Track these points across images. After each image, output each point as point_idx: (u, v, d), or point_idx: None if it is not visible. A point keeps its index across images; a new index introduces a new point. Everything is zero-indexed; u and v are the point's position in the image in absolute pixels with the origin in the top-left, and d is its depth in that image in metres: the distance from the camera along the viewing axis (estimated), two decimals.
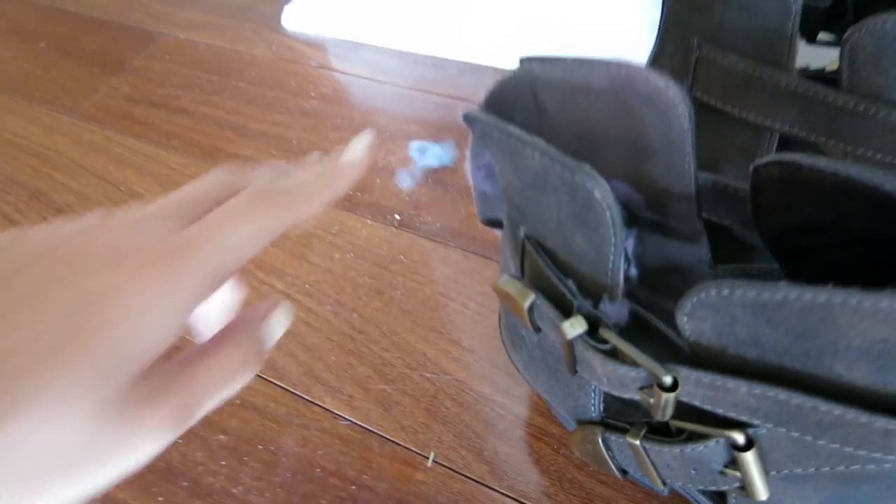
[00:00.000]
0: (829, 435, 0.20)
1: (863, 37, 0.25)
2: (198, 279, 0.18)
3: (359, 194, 0.49)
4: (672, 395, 0.21)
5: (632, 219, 0.26)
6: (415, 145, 0.48)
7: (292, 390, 0.40)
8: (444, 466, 0.36)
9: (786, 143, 0.30)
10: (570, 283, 0.23)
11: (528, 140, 0.21)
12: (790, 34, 0.27)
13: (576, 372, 0.24)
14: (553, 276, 0.23)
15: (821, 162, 0.19)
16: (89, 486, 0.17)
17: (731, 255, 0.28)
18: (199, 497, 0.37)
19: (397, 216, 0.47)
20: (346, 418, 0.39)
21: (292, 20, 0.65)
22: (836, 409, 0.19)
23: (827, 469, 0.22)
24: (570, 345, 0.23)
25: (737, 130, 0.31)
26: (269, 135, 0.56)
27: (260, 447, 0.38)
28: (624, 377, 0.22)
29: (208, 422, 0.39)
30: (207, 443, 0.39)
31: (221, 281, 0.19)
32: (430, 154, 0.48)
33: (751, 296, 0.18)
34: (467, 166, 0.27)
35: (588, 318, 0.22)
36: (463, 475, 0.35)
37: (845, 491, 0.23)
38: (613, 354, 0.22)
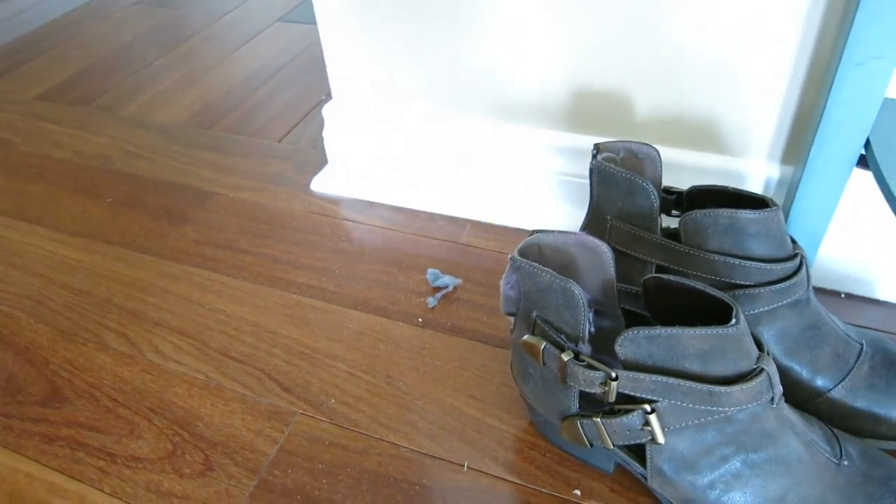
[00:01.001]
0: (688, 399, 0.45)
1: (687, 220, 0.53)
2: None
3: (391, 305, 0.73)
4: (615, 384, 0.45)
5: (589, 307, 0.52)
6: (430, 272, 0.73)
7: (364, 433, 0.62)
8: (475, 470, 0.58)
9: (660, 269, 0.57)
10: (561, 336, 0.48)
11: (545, 270, 0.47)
12: (655, 216, 0.55)
13: (565, 382, 0.48)
14: (553, 333, 0.48)
15: (671, 278, 0.45)
16: None
17: (636, 324, 0.53)
18: (312, 503, 0.57)
19: (420, 319, 0.71)
20: (405, 447, 0.60)
21: (320, 185, 0.90)
22: (690, 385, 0.44)
23: (693, 422, 0.46)
24: (565, 365, 0.47)
25: (635, 263, 0.57)
26: (316, 267, 0.79)
27: (349, 469, 0.59)
28: (593, 378, 0.46)
29: (308, 456, 0.60)
30: (311, 469, 0.59)
31: None
32: (441, 279, 0.72)
33: (644, 334, 0.44)
34: (501, 282, 0.52)
35: (573, 352, 0.47)
36: (488, 474, 0.58)
37: (703, 435, 0.47)
38: (588, 367, 0.47)
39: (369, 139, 0.84)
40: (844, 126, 0.54)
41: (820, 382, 0.54)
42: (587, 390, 0.48)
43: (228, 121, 1.08)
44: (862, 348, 0.55)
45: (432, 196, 0.85)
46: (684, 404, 0.45)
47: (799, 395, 0.55)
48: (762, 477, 0.47)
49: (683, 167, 0.69)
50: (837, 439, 0.50)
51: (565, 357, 0.47)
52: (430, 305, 0.72)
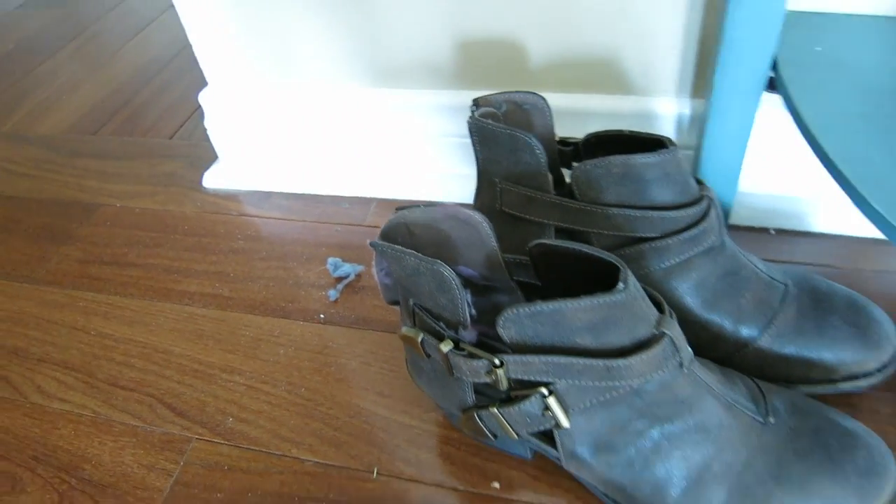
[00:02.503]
0: (586, 377, 0.40)
1: (578, 173, 0.47)
2: None
3: (290, 304, 0.66)
4: (502, 371, 0.40)
5: (473, 286, 0.46)
6: (330, 262, 0.67)
7: (265, 451, 0.55)
8: (385, 475, 0.52)
9: (561, 231, 0.51)
10: (440, 324, 0.42)
11: (409, 252, 0.41)
12: (545, 173, 0.49)
13: (452, 374, 0.43)
14: (431, 322, 0.42)
15: (555, 243, 0.40)
16: None
17: (537, 297, 0.47)
18: None
19: (321, 315, 0.65)
20: (309, 460, 0.54)
21: (212, 181, 0.83)
22: (584, 362, 0.39)
23: (598, 399, 0.41)
24: (446, 357, 0.41)
25: (532, 227, 0.51)
26: (210, 272, 0.72)
27: (249, 495, 0.53)
28: (477, 367, 0.40)
29: (205, 486, 0.54)
30: (209, 500, 0.53)
31: None
32: (341, 268, 0.66)
33: (526, 311, 0.38)
34: (373, 271, 0.46)
35: (453, 340, 0.41)
36: (399, 478, 0.52)
37: (612, 413, 0.42)
38: (470, 356, 0.41)
39: (256, 125, 0.77)
40: (747, 47, 0.48)
41: (745, 332, 0.49)
42: (475, 380, 0.42)
43: (115, 122, 0.99)
44: (787, 289, 0.50)
45: (332, 178, 0.78)
46: (583, 383, 0.40)
47: (724, 349, 0.50)
48: (682, 448, 0.41)
49: (590, 113, 0.63)
50: (763, 395, 0.45)
51: (444, 348, 0.41)
52: (332, 298, 0.65)
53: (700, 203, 0.47)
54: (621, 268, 0.38)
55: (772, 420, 0.43)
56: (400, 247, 0.41)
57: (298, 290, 0.68)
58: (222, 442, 0.57)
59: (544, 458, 0.51)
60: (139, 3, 1.34)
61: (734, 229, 0.66)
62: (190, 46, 1.15)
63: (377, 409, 0.57)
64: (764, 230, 0.65)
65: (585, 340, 0.38)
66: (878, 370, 0.50)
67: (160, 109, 1.00)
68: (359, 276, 0.67)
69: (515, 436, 0.44)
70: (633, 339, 0.38)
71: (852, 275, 0.60)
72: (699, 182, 0.49)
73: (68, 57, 1.20)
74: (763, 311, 0.49)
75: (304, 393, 0.59)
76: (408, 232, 0.44)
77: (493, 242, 0.43)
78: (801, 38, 0.48)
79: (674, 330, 0.39)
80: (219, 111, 0.77)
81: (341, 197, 0.78)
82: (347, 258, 0.69)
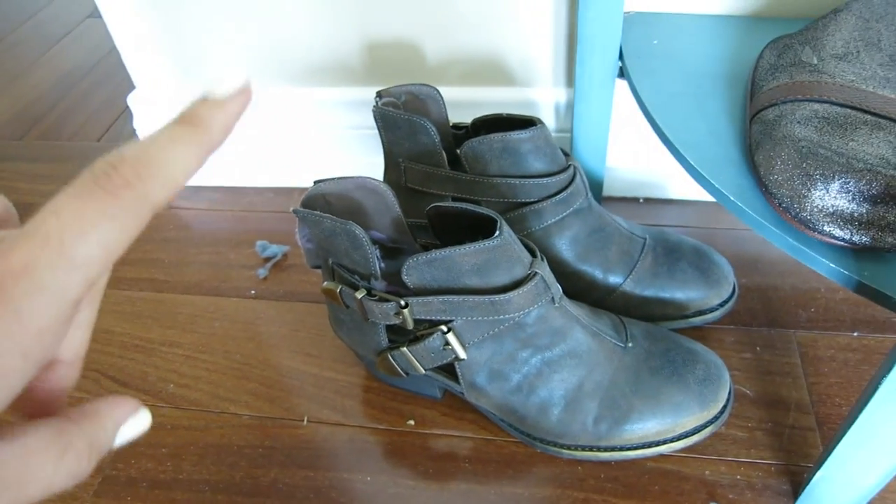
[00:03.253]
0: (477, 313, 0.48)
1: (466, 149, 0.56)
2: (139, 206, 0.18)
3: (223, 284, 0.73)
4: (408, 312, 0.48)
5: (384, 248, 0.54)
6: (258, 244, 0.74)
7: (205, 409, 0.62)
8: (315, 422, 0.60)
9: (457, 201, 0.60)
10: (355, 277, 0.50)
11: (325, 216, 0.48)
12: (439, 151, 0.57)
13: (367, 319, 0.51)
14: (347, 276, 0.50)
15: (446, 205, 0.48)
16: None
17: None
18: (159, 487, 0.57)
19: (252, 291, 0.72)
20: (246, 414, 0.61)
21: None
22: (474, 299, 0.47)
23: (489, 333, 0.50)
24: (361, 303, 0.49)
25: (433, 199, 0.60)
26: (145, 259, 0.78)
27: (192, 447, 0.59)
28: (387, 309, 0.49)
29: (150, 444, 0.60)
30: (154, 455, 0.59)
31: (155, 207, 0.18)
32: (269, 249, 0.73)
33: (423, 258, 0.46)
34: (297, 237, 0.54)
35: (366, 289, 0.49)
36: (327, 423, 0.60)
37: (502, 344, 0.51)
38: (381, 300, 0.49)
39: None
40: (598, 42, 0.58)
41: (612, 279, 0.59)
42: (386, 322, 0.50)
43: (41, 128, 1.03)
44: (645, 242, 0.61)
45: (256, 171, 0.85)
46: (475, 318, 0.48)
47: (596, 294, 0.60)
48: (559, 371, 0.51)
49: (481, 104, 0.72)
50: (624, 325, 0.55)
51: (359, 295, 0.49)
52: (261, 276, 0.72)
53: (567, 170, 0.57)
54: (497, 219, 0.47)
55: (630, 344, 0.53)
56: (318, 212, 0.49)
57: (230, 270, 0.74)
58: (165, 405, 0.63)
59: (452, 398, 0.59)
60: (56, 13, 1.36)
61: (609, 200, 0.76)
62: (110, 54, 1.19)
63: (306, 367, 0.64)
64: (634, 199, 0.76)
65: (473, 281, 0.47)
66: (720, 305, 0.61)
67: (85, 114, 1.04)
68: (285, 255, 0.75)
69: (423, 370, 0.53)
70: (512, 277, 0.47)
71: (706, 233, 0.72)
72: (566, 153, 0.59)
73: None
74: (626, 261, 0.60)
75: (239, 358, 0.66)
76: (325, 201, 0.52)
77: (397, 208, 0.51)
78: (642, 33, 0.59)
79: (544, 270, 0.49)
80: (147, 112, 0.83)
81: (266, 188, 0.85)
82: (274, 241, 0.77)
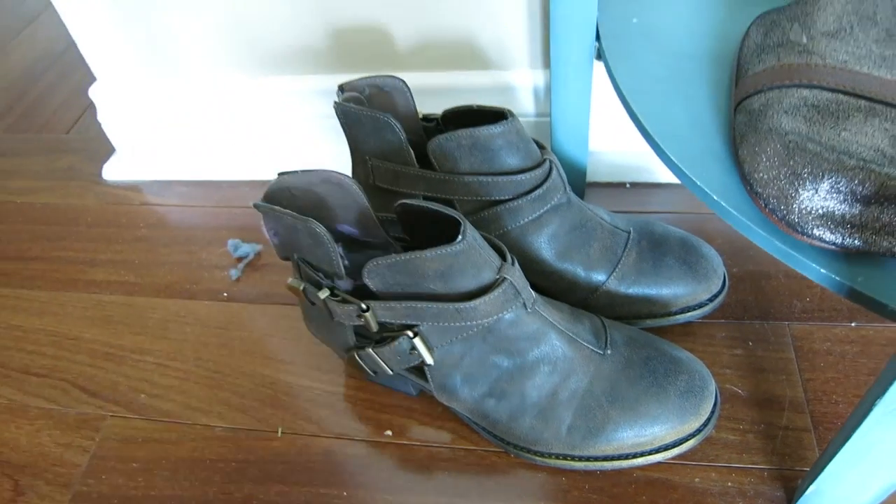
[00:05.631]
0: (441, 319, 0.45)
1: (433, 147, 0.52)
2: None
3: (195, 286, 0.70)
4: (369, 315, 0.45)
5: (355, 243, 0.51)
6: (230, 243, 0.71)
7: (177, 421, 0.60)
8: (289, 433, 0.58)
9: (428, 200, 0.57)
10: (319, 274, 0.47)
11: (286, 212, 0.45)
12: (406, 148, 0.54)
13: (332, 318, 0.48)
14: (312, 273, 0.47)
15: (413, 203, 0.45)
16: None
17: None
18: (126, 502, 0.55)
19: (225, 293, 0.69)
20: (219, 426, 0.59)
21: (112, 173, 0.85)
22: (437, 306, 0.45)
23: (456, 338, 0.47)
24: (325, 302, 0.47)
25: (402, 197, 0.57)
26: (115, 260, 0.75)
27: (164, 462, 0.57)
28: (349, 311, 0.46)
29: (121, 458, 0.58)
30: (126, 470, 0.57)
31: None
32: (241, 248, 0.70)
33: (385, 262, 0.43)
34: (263, 230, 0.51)
35: (329, 288, 0.47)
36: (302, 435, 0.57)
37: (471, 348, 0.48)
38: (343, 301, 0.46)
39: (149, 117, 0.79)
40: (573, 21, 0.54)
41: (595, 277, 0.56)
42: (351, 323, 0.48)
43: (8, 120, 0.99)
44: (629, 236, 0.57)
45: (228, 163, 0.81)
46: (441, 324, 0.46)
47: (579, 294, 0.57)
48: (532, 377, 0.48)
49: (454, 90, 0.68)
50: (605, 329, 0.52)
51: (322, 295, 0.47)
52: (234, 277, 0.70)
53: (543, 165, 0.53)
54: (462, 222, 0.44)
55: (609, 351, 0.50)
56: (279, 207, 0.46)
57: (202, 271, 0.72)
58: (136, 417, 0.61)
59: (432, 405, 0.57)
60: (16, 3, 1.31)
61: (593, 186, 0.73)
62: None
63: (280, 375, 0.62)
64: (620, 184, 0.72)
65: (437, 286, 0.44)
66: (710, 300, 0.58)
67: (54, 105, 1.01)
68: (258, 254, 0.72)
69: (390, 371, 0.50)
70: (479, 283, 0.45)
71: (697, 218, 0.68)
72: (541, 147, 0.55)
73: None
74: (609, 257, 0.56)
75: (212, 366, 0.63)
76: (290, 194, 0.49)
77: (364, 201, 0.48)
78: (621, 11, 0.55)
79: (514, 275, 0.46)
80: (111, 105, 0.79)
81: (239, 181, 0.82)
82: (247, 239, 0.73)
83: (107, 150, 0.89)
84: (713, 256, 0.58)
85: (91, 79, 0.82)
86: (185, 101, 0.77)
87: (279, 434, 0.58)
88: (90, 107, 0.99)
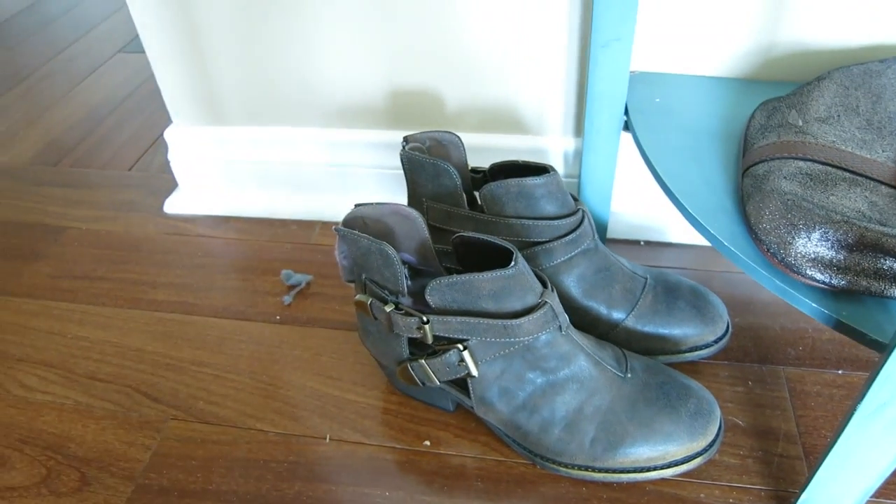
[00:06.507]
0: (490, 334, 0.53)
1: (485, 192, 0.61)
2: None
3: (250, 309, 0.78)
4: (428, 327, 0.53)
5: (412, 270, 0.59)
6: (283, 273, 0.79)
7: (233, 425, 0.66)
8: (336, 440, 0.64)
9: None
10: (385, 292, 0.55)
11: (363, 235, 0.54)
12: (460, 192, 0.63)
13: (392, 330, 0.56)
14: (378, 291, 0.55)
15: (469, 235, 0.54)
16: None
17: None
18: (189, 497, 0.61)
19: (278, 317, 0.77)
20: (272, 431, 0.66)
21: (172, 207, 0.94)
22: (488, 322, 0.52)
23: (500, 353, 0.54)
24: (388, 315, 0.55)
25: (451, 235, 0.65)
26: (175, 283, 0.83)
27: (221, 461, 0.64)
28: (410, 323, 0.54)
29: (181, 456, 0.64)
30: (185, 466, 0.63)
31: None
32: (293, 277, 0.78)
33: (446, 281, 0.51)
34: (336, 254, 0.59)
35: (394, 303, 0.55)
36: (348, 442, 0.64)
37: (511, 364, 0.55)
38: (406, 314, 0.54)
39: (214, 157, 0.88)
40: (606, 98, 0.64)
41: (615, 315, 0.64)
42: (409, 335, 0.55)
43: (75, 155, 1.09)
44: (646, 281, 0.66)
45: (282, 204, 0.90)
46: (488, 339, 0.53)
47: (601, 329, 0.65)
48: (562, 394, 0.56)
49: (496, 149, 0.78)
50: (626, 358, 0.59)
51: (388, 308, 0.55)
52: (286, 303, 0.77)
53: (576, 214, 0.62)
54: (514, 251, 0.53)
55: (629, 375, 0.58)
56: (356, 231, 0.54)
57: (256, 297, 0.79)
58: (195, 420, 0.67)
59: (466, 420, 0.64)
60: (88, 47, 1.43)
61: (612, 242, 0.82)
62: (143, 86, 1.25)
63: (328, 389, 0.69)
64: (636, 242, 0.82)
65: (489, 305, 0.52)
66: (715, 341, 0.66)
67: (117, 145, 1.10)
68: (308, 284, 0.80)
69: (437, 382, 0.57)
70: (524, 305, 0.53)
71: (703, 275, 0.77)
72: (575, 199, 0.64)
73: (20, 96, 1.28)
74: (628, 298, 0.65)
75: (265, 379, 0.70)
76: (363, 223, 0.57)
77: (427, 234, 0.57)
78: (646, 92, 0.65)
79: (553, 300, 0.54)
80: (182, 146, 0.89)
81: (290, 220, 0.90)
82: (298, 270, 0.82)
83: (167, 187, 0.98)
84: (718, 304, 0.66)
85: (152, 122, 0.91)
86: (250, 148, 0.86)
87: (327, 440, 0.64)
88: (150, 147, 1.08)
